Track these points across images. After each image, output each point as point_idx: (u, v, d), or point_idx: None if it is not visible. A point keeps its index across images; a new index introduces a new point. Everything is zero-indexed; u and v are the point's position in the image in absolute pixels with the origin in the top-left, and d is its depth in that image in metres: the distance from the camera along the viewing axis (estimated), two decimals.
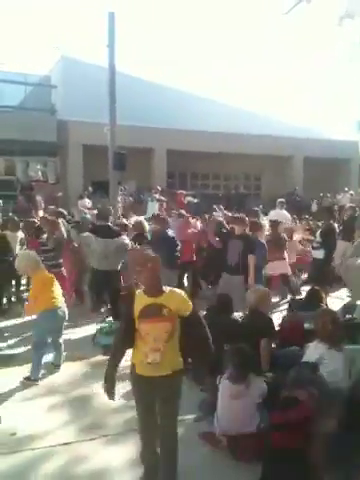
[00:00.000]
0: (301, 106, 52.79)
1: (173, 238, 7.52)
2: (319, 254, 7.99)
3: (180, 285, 8.10)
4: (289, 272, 8.56)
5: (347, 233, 9.72)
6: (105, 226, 7.12)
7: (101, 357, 5.82)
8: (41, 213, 12.35)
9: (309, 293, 6.65)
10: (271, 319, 5.16)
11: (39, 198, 15.28)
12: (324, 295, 6.64)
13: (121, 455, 3.75)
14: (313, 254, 8.24)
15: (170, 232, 7.63)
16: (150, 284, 3.14)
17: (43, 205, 14.12)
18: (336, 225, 10.54)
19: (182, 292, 3.23)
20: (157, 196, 15.79)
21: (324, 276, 7.81)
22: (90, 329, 6.72)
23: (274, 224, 8.65)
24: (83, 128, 18.20)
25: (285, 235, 8.72)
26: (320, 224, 10.53)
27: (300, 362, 4.35)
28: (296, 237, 10.15)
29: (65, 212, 9.91)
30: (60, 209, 10.21)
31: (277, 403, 3.58)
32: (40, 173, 20.73)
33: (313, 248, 8.25)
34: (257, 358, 4.49)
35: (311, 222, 12.84)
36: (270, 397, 3.76)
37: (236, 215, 7.67)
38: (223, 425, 3.79)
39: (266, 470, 3.33)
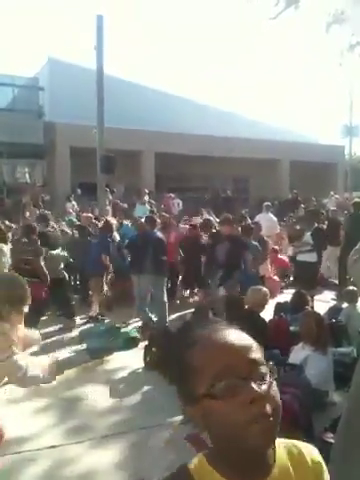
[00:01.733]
0: (289, 110, 53.20)
1: (160, 240, 7.30)
2: (310, 257, 8.04)
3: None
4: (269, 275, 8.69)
5: (331, 237, 9.78)
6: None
7: (88, 360, 5.85)
8: (27, 215, 12.31)
9: (295, 296, 6.72)
10: (266, 323, 5.20)
11: (26, 201, 15.19)
12: (310, 298, 6.72)
13: (108, 458, 3.76)
14: (302, 257, 8.27)
15: (158, 234, 7.46)
16: None
17: (30, 208, 14.04)
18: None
19: None
20: (146, 198, 15.81)
21: (313, 279, 7.88)
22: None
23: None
24: (71, 130, 18.15)
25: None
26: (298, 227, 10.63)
27: (285, 364, 4.40)
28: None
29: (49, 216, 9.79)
30: (45, 212, 10.23)
31: None
32: (27, 176, 20.62)
33: (301, 252, 8.29)
34: None
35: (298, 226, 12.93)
36: None
37: (223, 216, 7.74)
38: None
39: None
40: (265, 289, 5.38)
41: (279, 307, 6.76)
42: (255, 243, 7.44)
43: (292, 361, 4.61)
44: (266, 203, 12.04)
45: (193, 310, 6.70)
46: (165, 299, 7.16)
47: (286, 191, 23.59)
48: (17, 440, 3.99)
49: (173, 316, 7.68)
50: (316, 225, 8.48)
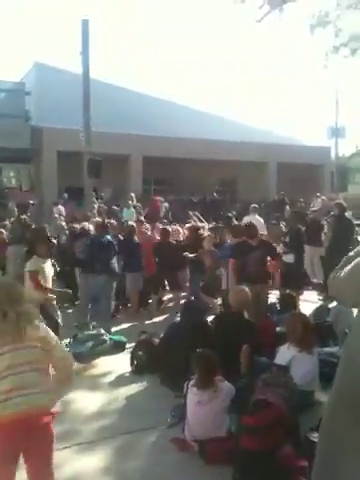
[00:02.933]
0: (275, 112, 53.49)
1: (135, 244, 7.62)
2: (286, 258, 8.10)
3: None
4: None
5: (312, 238, 9.81)
6: None
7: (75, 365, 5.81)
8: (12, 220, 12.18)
9: (282, 297, 6.75)
10: (253, 323, 5.20)
11: (12, 205, 15.08)
12: (296, 299, 6.75)
13: (94, 463, 3.74)
14: (284, 258, 8.31)
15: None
16: None
17: (16, 212, 13.94)
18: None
19: None
20: (131, 202, 15.77)
21: (295, 280, 7.91)
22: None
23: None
24: (58, 134, 18.11)
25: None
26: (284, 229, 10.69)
27: (271, 365, 4.42)
28: None
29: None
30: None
31: (248, 406, 3.61)
32: (14, 180, 20.51)
33: (284, 252, 8.34)
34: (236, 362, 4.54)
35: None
36: (241, 400, 3.80)
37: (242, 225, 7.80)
38: (193, 430, 3.81)
39: (237, 473, 3.36)
40: (247, 289, 5.39)
41: (267, 308, 6.78)
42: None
43: (278, 362, 4.62)
44: (253, 205, 12.09)
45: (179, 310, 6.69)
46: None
47: (273, 193, 23.74)
48: None
49: (148, 321, 7.73)
50: (297, 227, 8.51)
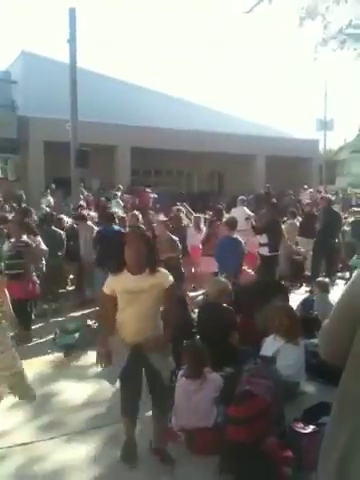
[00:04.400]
0: (264, 105, 53.46)
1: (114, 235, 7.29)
2: (263, 251, 8.12)
3: None
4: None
5: (307, 230, 9.95)
6: None
7: (61, 357, 5.82)
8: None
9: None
10: (233, 312, 5.23)
11: None
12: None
13: (81, 453, 3.75)
14: (260, 251, 8.37)
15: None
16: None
17: (2, 203, 13.81)
18: (296, 222, 10.82)
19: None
20: (119, 194, 15.72)
21: (271, 272, 7.94)
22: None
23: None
24: (44, 124, 17.91)
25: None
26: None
27: (257, 356, 4.46)
28: None
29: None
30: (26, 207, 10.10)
31: (233, 397, 3.65)
32: (0, 170, 20.29)
33: (260, 245, 8.38)
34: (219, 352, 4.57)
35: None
36: (228, 391, 3.83)
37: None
38: (180, 420, 3.85)
39: (223, 464, 3.40)
40: (225, 280, 5.44)
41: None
42: (240, 239, 7.45)
43: (264, 353, 4.67)
44: (241, 197, 12.12)
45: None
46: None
47: (262, 186, 23.82)
48: None
49: None
50: (274, 219, 8.53)
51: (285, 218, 11.04)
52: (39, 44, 53.47)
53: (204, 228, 9.26)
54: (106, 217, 7.97)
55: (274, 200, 12.79)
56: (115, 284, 3.46)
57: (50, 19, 59.23)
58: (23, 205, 10.79)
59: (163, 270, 3.48)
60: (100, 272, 7.07)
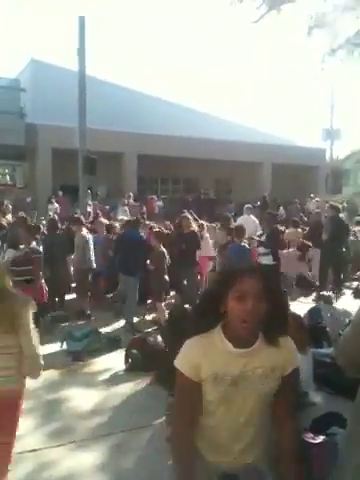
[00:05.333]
0: (271, 113, 53.67)
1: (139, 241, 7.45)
2: (266, 260, 8.08)
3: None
4: None
5: (313, 239, 9.93)
6: None
7: (69, 363, 5.82)
8: (9, 217, 12.17)
9: None
10: None
11: (7, 202, 15.04)
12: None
13: (88, 461, 3.75)
14: (261, 260, 8.34)
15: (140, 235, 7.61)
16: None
17: (11, 209, 13.92)
18: (301, 231, 10.81)
19: None
20: (126, 201, 15.80)
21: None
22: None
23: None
24: (52, 132, 18.03)
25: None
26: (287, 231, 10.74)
27: None
28: None
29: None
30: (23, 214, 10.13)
31: None
32: (8, 177, 20.41)
33: (260, 255, 8.36)
34: None
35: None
36: None
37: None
38: None
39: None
40: None
41: None
42: (247, 246, 7.49)
43: None
44: (247, 205, 12.13)
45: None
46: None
47: (268, 194, 23.81)
48: None
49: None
50: (273, 227, 8.53)
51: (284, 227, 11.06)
52: (48, 52, 53.98)
53: (207, 235, 9.30)
54: (131, 222, 8.04)
55: (281, 208, 12.79)
56: (201, 360, 1.91)
57: (59, 27, 59.96)
58: (22, 213, 10.84)
59: (289, 340, 2.07)
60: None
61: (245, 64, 58.19)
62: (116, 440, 4.05)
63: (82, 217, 9.37)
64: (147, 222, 9.61)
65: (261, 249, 8.35)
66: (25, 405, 4.56)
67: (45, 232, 8.84)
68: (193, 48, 60.52)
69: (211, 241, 9.21)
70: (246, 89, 52.77)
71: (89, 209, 14.00)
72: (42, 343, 6.42)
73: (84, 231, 8.31)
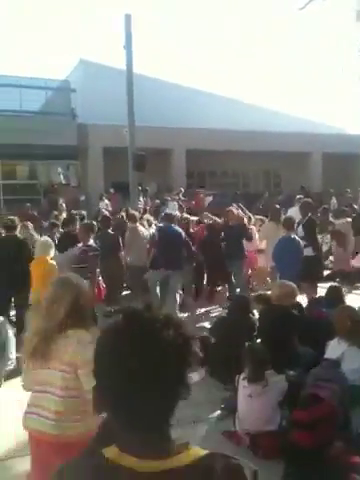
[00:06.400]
0: (319, 102, 52.24)
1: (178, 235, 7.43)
2: (306, 252, 7.67)
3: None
4: None
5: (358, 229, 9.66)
6: None
7: None
8: (64, 215, 12.55)
9: (330, 291, 6.66)
10: (299, 316, 5.19)
11: (61, 201, 15.53)
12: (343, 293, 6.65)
13: None
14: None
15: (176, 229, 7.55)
16: None
17: (65, 208, 14.35)
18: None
19: None
20: (177, 197, 15.90)
21: (313, 273, 7.65)
22: None
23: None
24: (102, 131, 18.39)
25: None
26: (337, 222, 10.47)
27: (322, 360, 4.38)
28: None
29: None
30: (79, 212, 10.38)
31: (299, 401, 3.62)
32: (62, 176, 21.01)
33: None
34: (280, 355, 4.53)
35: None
36: (292, 395, 3.80)
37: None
38: (244, 424, 3.86)
39: (288, 469, 3.37)
40: (293, 285, 5.36)
41: (314, 302, 6.72)
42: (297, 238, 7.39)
43: (328, 356, 4.59)
44: (298, 196, 11.92)
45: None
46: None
47: (318, 184, 23.25)
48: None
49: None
50: (310, 218, 8.25)
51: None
52: (96, 52, 54.76)
53: (254, 227, 9.23)
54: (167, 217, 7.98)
55: (334, 199, 12.44)
56: None
57: (106, 26, 60.83)
58: (80, 211, 11.10)
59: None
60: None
61: (290, 54, 56.87)
62: (172, 434, 4.11)
63: (137, 213, 9.46)
64: (186, 216, 9.58)
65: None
66: None
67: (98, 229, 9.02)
68: (237, 40, 59.76)
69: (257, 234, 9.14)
70: (290, 79, 51.71)
71: (140, 205, 14.20)
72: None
73: (139, 227, 8.44)
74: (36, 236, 8.25)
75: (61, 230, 8.81)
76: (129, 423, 1.03)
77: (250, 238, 8.46)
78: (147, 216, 10.60)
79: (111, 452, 1.04)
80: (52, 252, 6.45)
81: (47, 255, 6.26)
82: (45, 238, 6.91)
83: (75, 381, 2.44)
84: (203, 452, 1.07)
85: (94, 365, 1.06)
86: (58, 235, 8.58)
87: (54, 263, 6.26)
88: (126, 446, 1.02)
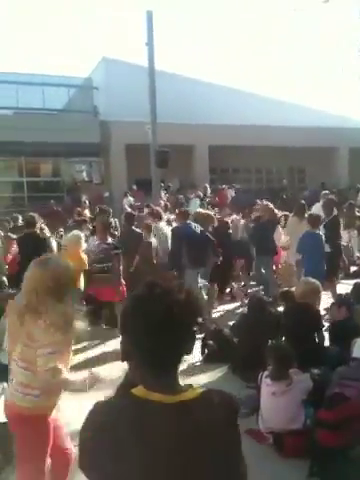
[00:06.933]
0: (345, 95, 51.34)
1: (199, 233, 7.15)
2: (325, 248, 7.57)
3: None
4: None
5: None
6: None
7: None
8: (87, 213, 12.63)
9: (356, 287, 6.51)
10: (320, 315, 5.09)
11: (85, 198, 15.64)
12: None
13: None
14: None
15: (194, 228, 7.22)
16: None
17: (88, 205, 14.45)
18: None
19: None
20: (201, 194, 15.85)
21: (332, 269, 7.47)
22: None
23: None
24: (125, 128, 18.42)
25: None
26: None
27: (350, 359, 4.27)
28: None
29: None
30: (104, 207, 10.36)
31: (324, 400, 3.53)
32: (85, 174, 21.17)
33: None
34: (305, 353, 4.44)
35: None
36: (317, 394, 3.71)
37: None
38: (267, 422, 3.78)
39: (314, 468, 3.30)
40: (317, 282, 5.24)
41: (340, 299, 6.57)
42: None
43: (356, 355, 4.47)
44: (324, 192, 11.73)
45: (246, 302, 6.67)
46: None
47: (345, 180, 22.83)
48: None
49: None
50: (333, 215, 8.08)
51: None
52: (119, 49, 55.00)
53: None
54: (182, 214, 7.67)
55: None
56: None
57: (128, 24, 61.01)
58: (103, 207, 11.06)
59: None
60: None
61: (314, 48, 56.01)
62: None
63: (161, 210, 9.38)
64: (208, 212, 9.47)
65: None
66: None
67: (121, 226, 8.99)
68: (258, 34, 59.14)
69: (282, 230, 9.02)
70: (319, 73, 50.80)
71: (162, 202, 14.18)
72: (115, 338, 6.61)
73: (162, 224, 8.35)
74: (52, 239, 8.15)
75: (89, 226, 8.65)
76: (153, 365, 1.32)
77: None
78: (168, 215, 10.56)
79: (140, 392, 1.32)
80: (84, 245, 6.46)
81: (79, 248, 6.27)
82: (77, 231, 6.88)
83: (32, 356, 2.51)
84: (202, 389, 1.39)
85: (123, 321, 1.35)
86: (87, 232, 8.36)
87: (85, 256, 6.27)
88: (151, 386, 1.31)
